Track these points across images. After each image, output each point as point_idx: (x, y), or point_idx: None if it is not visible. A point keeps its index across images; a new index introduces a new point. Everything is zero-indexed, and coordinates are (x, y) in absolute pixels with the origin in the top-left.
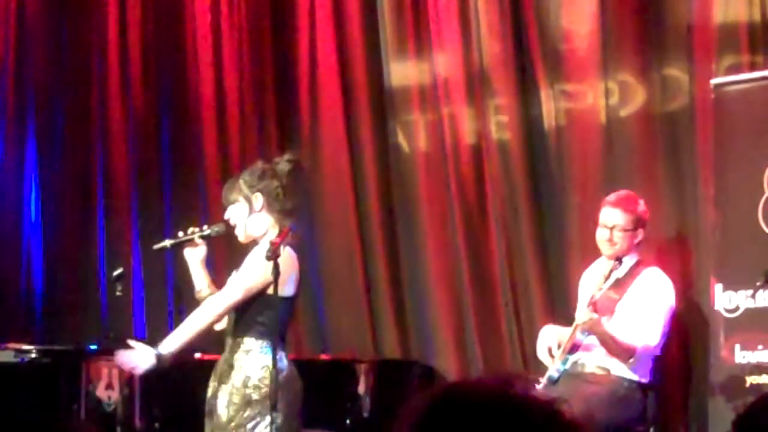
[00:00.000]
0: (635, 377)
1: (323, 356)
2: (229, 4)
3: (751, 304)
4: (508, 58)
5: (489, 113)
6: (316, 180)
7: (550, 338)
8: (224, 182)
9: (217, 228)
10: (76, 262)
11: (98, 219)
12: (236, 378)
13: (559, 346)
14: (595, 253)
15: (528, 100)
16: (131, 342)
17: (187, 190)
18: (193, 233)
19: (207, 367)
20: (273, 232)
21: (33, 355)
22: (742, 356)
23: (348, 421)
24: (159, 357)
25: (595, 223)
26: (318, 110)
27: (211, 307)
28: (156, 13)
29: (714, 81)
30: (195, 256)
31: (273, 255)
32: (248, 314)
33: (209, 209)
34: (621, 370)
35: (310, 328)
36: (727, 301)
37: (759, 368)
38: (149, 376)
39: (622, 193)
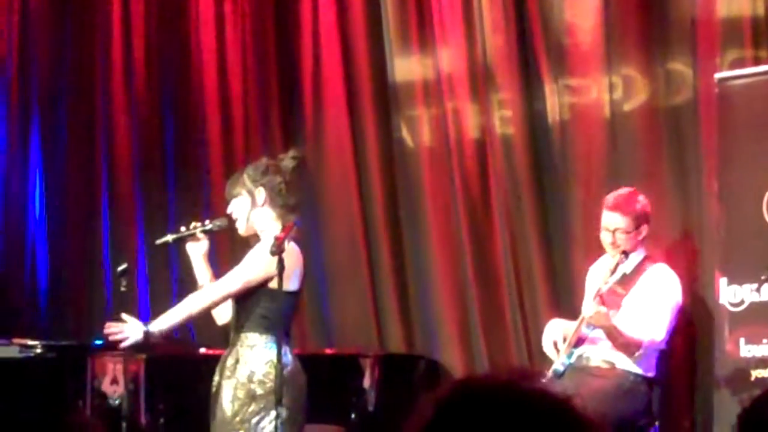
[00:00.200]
0: (640, 371)
1: (328, 351)
2: (232, 1)
3: (755, 297)
4: (511, 53)
5: (493, 108)
6: (320, 175)
7: (555, 332)
8: (228, 178)
9: (219, 222)
10: (80, 257)
11: (103, 215)
12: (241, 373)
13: (564, 340)
14: (599, 247)
15: (532, 95)
16: (124, 315)
17: (190, 185)
18: (195, 228)
19: (211, 362)
20: (275, 227)
21: (38, 351)
22: (747, 350)
23: (353, 416)
24: (147, 333)
25: (599, 218)
26: (322, 106)
27: (208, 294)
28: (159, 9)
29: (718, 75)
30: (197, 251)
31: (278, 250)
32: (252, 309)
33: (213, 205)
34: (626, 363)
35: (314, 323)
36: (731, 295)
37: (764, 362)
38: (154, 372)
39: (620, 193)
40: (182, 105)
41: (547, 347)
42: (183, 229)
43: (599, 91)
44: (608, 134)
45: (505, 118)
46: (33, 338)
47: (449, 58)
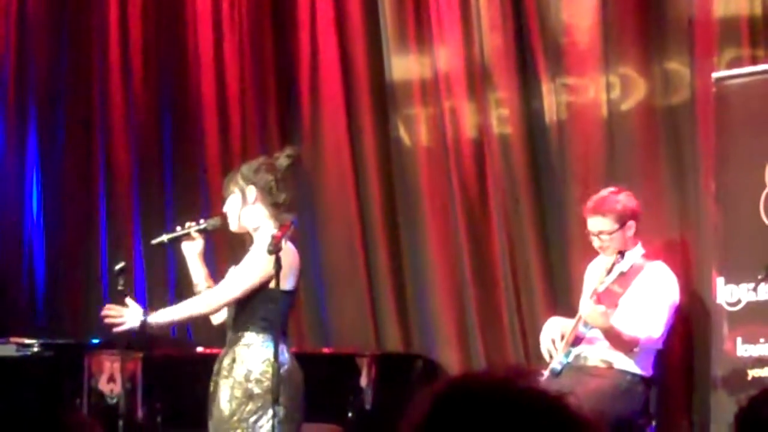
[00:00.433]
0: (638, 370)
1: (325, 350)
2: (230, 1)
3: (752, 297)
4: (509, 52)
5: (490, 107)
6: (317, 174)
7: (554, 330)
8: (225, 177)
9: (213, 222)
10: (77, 256)
11: (100, 214)
12: (237, 372)
13: (562, 338)
14: None
15: (529, 94)
16: (127, 300)
17: (188, 184)
18: (190, 227)
19: (209, 361)
20: (267, 225)
21: (35, 349)
22: (744, 349)
23: (350, 415)
24: (143, 323)
25: None
26: (319, 104)
27: (209, 300)
28: (157, 9)
29: (715, 75)
30: (193, 250)
31: (275, 249)
32: (249, 308)
33: (211, 204)
34: (624, 363)
35: (312, 322)
36: (728, 294)
37: (761, 361)
38: (151, 371)
39: (598, 196)
40: (179, 104)
41: (545, 345)
42: (179, 228)
43: (596, 90)
44: (605, 133)
45: (502, 117)
46: (30, 337)
47: (446, 57)
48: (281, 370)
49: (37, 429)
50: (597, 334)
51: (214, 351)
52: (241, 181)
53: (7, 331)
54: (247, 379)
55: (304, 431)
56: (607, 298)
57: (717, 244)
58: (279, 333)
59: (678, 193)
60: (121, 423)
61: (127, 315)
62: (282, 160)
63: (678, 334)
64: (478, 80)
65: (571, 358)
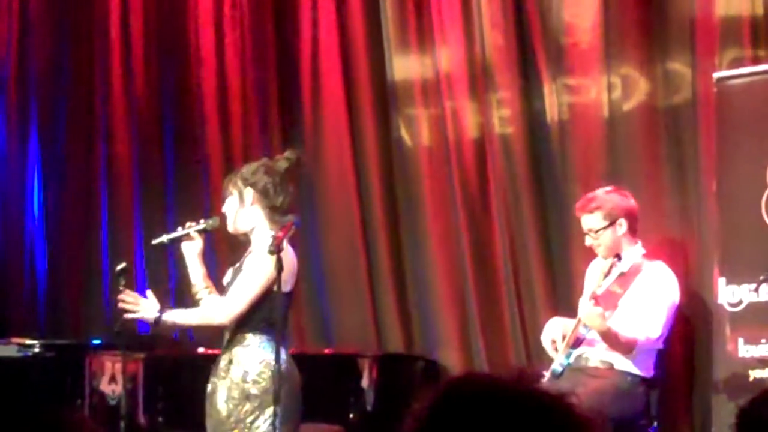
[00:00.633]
0: (639, 371)
1: (327, 351)
2: (231, 1)
3: (754, 298)
4: (510, 52)
5: (491, 107)
6: (318, 174)
7: (555, 331)
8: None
9: (212, 222)
10: (79, 257)
11: (101, 214)
12: (235, 373)
13: (563, 339)
14: None
15: (530, 94)
16: (148, 292)
17: (189, 184)
18: (189, 227)
19: (210, 362)
20: (263, 228)
21: (36, 350)
22: (746, 350)
23: (352, 416)
24: (157, 320)
25: None
26: (321, 104)
27: (226, 311)
28: (158, 8)
29: (716, 75)
30: (192, 250)
31: (276, 249)
32: (247, 310)
33: (212, 203)
34: (624, 364)
35: (313, 323)
36: (730, 295)
37: (762, 362)
38: (152, 371)
39: (589, 195)
40: (181, 104)
41: (547, 346)
42: (179, 229)
43: (598, 90)
44: (607, 133)
45: (504, 117)
46: (31, 337)
47: (448, 57)
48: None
49: (39, 430)
50: (597, 335)
51: (216, 351)
52: (239, 183)
53: (8, 331)
54: (244, 380)
55: (305, 431)
56: (606, 299)
57: (718, 245)
58: (277, 334)
59: (679, 193)
60: (122, 424)
61: (143, 305)
62: (281, 162)
63: (679, 335)
64: (479, 80)
65: (571, 360)
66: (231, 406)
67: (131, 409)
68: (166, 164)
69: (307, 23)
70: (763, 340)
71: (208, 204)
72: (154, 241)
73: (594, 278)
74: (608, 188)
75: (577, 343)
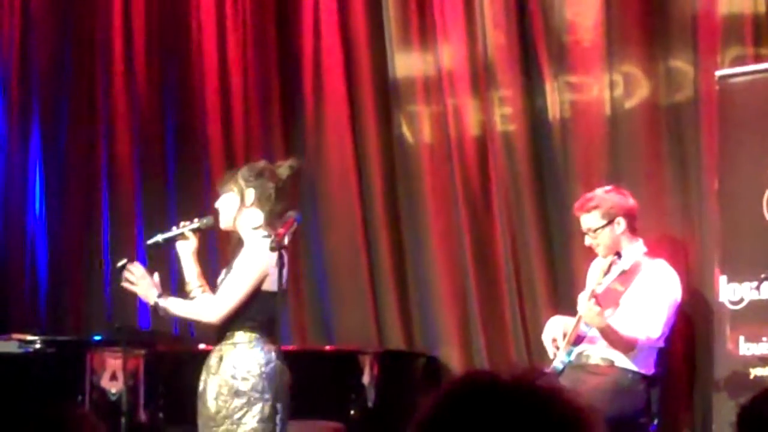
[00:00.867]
0: (639, 369)
1: (327, 347)
2: None
3: (755, 296)
4: (512, 50)
5: (493, 105)
6: (320, 171)
7: (555, 329)
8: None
9: (206, 221)
10: (80, 253)
11: (102, 211)
12: (224, 370)
13: (564, 337)
14: None
15: (533, 92)
16: (156, 275)
17: (190, 181)
18: (184, 227)
19: None
20: (258, 230)
21: (37, 346)
22: (747, 348)
23: (352, 413)
24: (156, 304)
25: None
26: (322, 101)
27: (216, 310)
28: (160, 7)
29: (719, 73)
30: (186, 249)
31: (278, 246)
32: (240, 308)
33: (213, 200)
34: (625, 362)
35: (314, 320)
36: (731, 293)
37: (763, 360)
38: (153, 367)
39: (587, 195)
40: (183, 102)
41: (548, 344)
42: (174, 228)
43: (600, 88)
44: (609, 131)
45: (505, 115)
46: (32, 333)
47: (450, 54)
48: (267, 368)
49: (39, 426)
50: (598, 332)
51: None
52: (241, 182)
53: (9, 327)
54: (233, 377)
55: (306, 429)
56: (607, 297)
57: (720, 243)
58: (267, 332)
59: (681, 191)
60: (123, 420)
61: (144, 284)
62: (284, 169)
63: (680, 333)
64: (481, 78)
65: (572, 357)
66: (220, 402)
67: (132, 405)
68: (167, 162)
69: (309, 20)
70: (764, 339)
71: (208, 202)
72: (149, 241)
73: (594, 276)
74: (607, 187)
75: (578, 340)
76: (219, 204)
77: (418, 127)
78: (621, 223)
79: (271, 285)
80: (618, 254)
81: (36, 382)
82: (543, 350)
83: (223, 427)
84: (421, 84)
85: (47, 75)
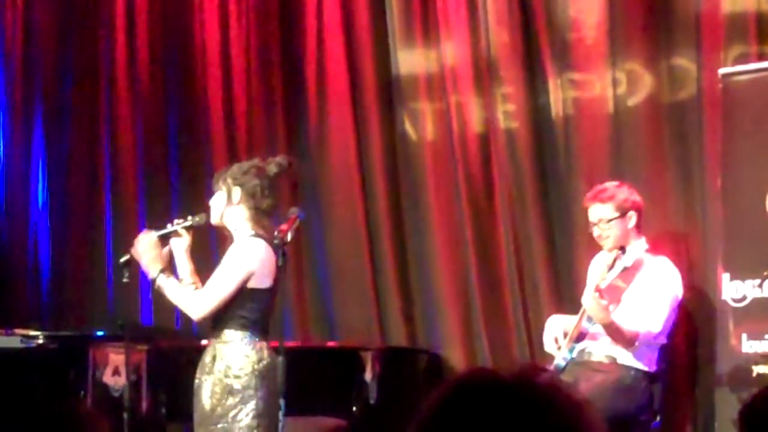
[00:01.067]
0: (642, 366)
1: (330, 344)
2: None
3: (758, 293)
4: (515, 47)
5: (496, 102)
6: (323, 168)
7: (556, 328)
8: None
9: (198, 218)
10: (83, 248)
11: (105, 207)
12: (217, 369)
13: (565, 336)
14: None
15: (536, 89)
16: (165, 250)
17: (193, 178)
18: (177, 224)
19: None
20: (245, 227)
21: (40, 341)
22: (749, 346)
23: (355, 409)
24: (153, 279)
25: None
26: (325, 98)
27: (199, 306)
28: (163, 6)
29: (722, 71)
30: (180, 246)
31: (281, 242)
32: (228, 307)
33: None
34: (627, 358)
35: (317, 316)
36: (734, 290)
37: (765, 358)
38: (156, 363)
39: (599, 186)
40: (186, 100)
41: (548, 344)
42: (168, 225)
43: (603, 85)
44: (612, 129)
45: (508, 112)
46: (35, 329)
47: (453, 51)
48: (260, 365)
49: (42, 421)
50: (600, 329)
51: None
52: (229, 180)
53: (11, 322)
54: (227, 375)
55: (308, 425)
56: (610, 293)
57: (722, 240)
58: (258, 330)
59: (684, 188)
60: (125, 415)
61: (148, 254)
62: (272, 166)
63: (683, 330)
64: (484, 75)
65: (575, 354)
66: (214, 401)
67: (134, 400)
68: (170, 159)
69: (312, 18)
70: (767, 336)
71: (211, 195)
72: None
73: (598, 271)
74: (615, 183)
75: (581, 337)
76: (210, 202)
77: (421, 124)
78: (632, 218)
79: (259, 282)
80: (622, 249)
81: (38, 378)
82: (545, 347)
83: (219, 426)
84: (424, 81)
85: (50, 72)
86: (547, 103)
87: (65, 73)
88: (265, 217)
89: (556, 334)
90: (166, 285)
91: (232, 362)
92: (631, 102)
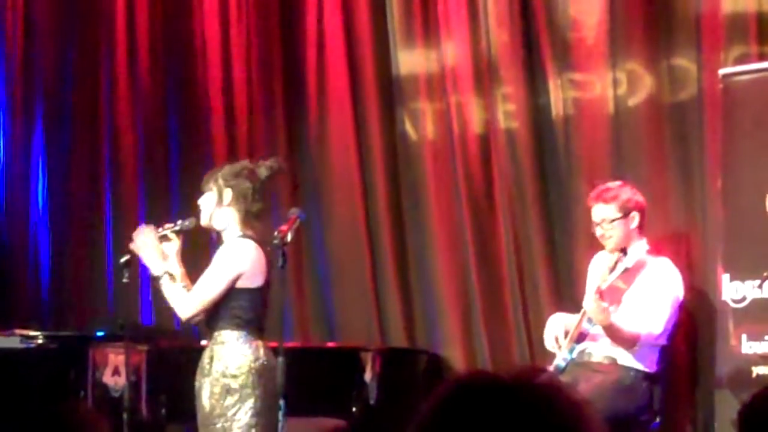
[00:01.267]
0: (642, 367)
1: (330, 344)
2: None
3: (758, 294)
4: (516, 47)
5: (497, 102)
6: (323, 167)
7: (557, 327)
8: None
9: (188, 222)
10: (83, 248)
11: (105, 207)
12: (216, 369)
13: (566, 335)
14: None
15: (536, 89)
16: (166, 247)
17: (194, 176)
18: (166, 229)
19: None
20: (234, 229)
21: (40, 342)
22: (749, 346)
23: (354, 409)
24: (156, 278)
25: None
26: (326, 98)
27: (181, 311)
28: (163, 4)
29: (722, 71)
30: (170, 250)
31: (281, 243)
32: (222, 307)
33: None
34: (627, 359)
35: (316, 316)
36: (734, 291)
37: (765, 358)
38: (156, 363)
39: (603, 186)
40: (186, 99)
41: (549, 342)
42: (159, 230)
43: (603, 86)
44: (612, 129)
45: (509, 112)
46: (35, 329)
47: (453, 51)
48: (257, 365)
49: (41, 422)
50: (601, 330)
51: None
52: (220, 181)
53: (11, 322)
54: (224, 375)
55: (308, 426)
56: (610, 294)
57: (723, 240)
58: (253, 329)
59: (684, 189)
60: (125, 416)
61: (149, 252)
62: (262, 170)
63: (683, 331)
64: (484, 75)
65: (575, 355)
66: (213, 401)
67: (134, 401)
68: (170, 160)
69: (313, 17)
70: (767, 337)
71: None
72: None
73: (599, 273)
74: (618, 183)
75: (581, 338)
76: (200, 202)
77: (421, 125)
78: (635, 219)
79: (251, 282)
80: (624, 251)
81: (38, 378)
82: (545, 347)
83: (218, 425)
84: (425, 81)
85: (51, 72)
86: (548, 103)
87: (65, 73)
88: (254, 220)
89: (557, 332)
90: (166, 284)
91: (229, 362)
92: (632, 102)
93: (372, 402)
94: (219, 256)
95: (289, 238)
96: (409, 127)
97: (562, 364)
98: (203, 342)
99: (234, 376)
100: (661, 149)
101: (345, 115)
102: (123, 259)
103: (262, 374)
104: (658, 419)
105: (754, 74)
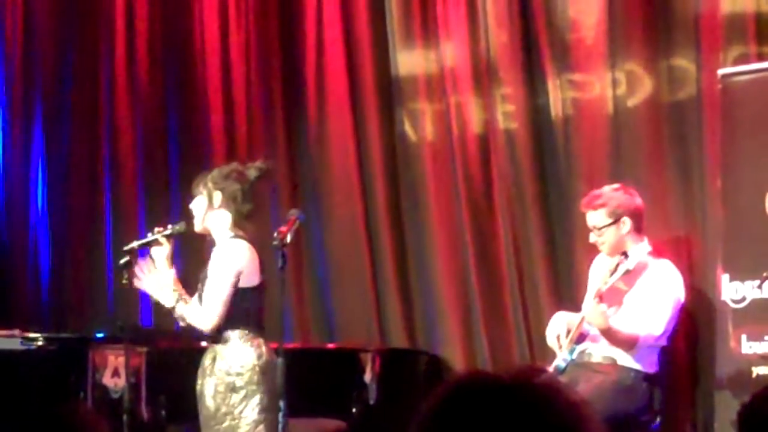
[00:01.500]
0: (642, 367)
1: (329, 345)
2: None
3: (757, 294)
4: (515, 48)
5: (496, 103)
6: (322, 169)
7: (559, 325)
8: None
9: (179, 227)
10: (83, 249)
11: (105, 208)
12: (219, 368)
13: (567, 334)
14: None
15: (535, 90)
16: (173, 275)
17: (193, 176)
18: (158, 233)
19: None
20: (226, 231)
21: (40, 343)
22: (749, 347)
23: (354, 410)
24: (171, 309)
25: None
26: (325, 99)
27: (202, 324)
28: (163, 4)
29: (721, 71)
30: (160, 254)
31: (280, 243)
32: (224, 311)
33: None
34: (627, 360)
35: (316, 317)
36: (733, 291)
37: (765, 359)
38: (155, 365)
39: (594, 192)
40: (185, 99)
41: (551, 340)
42: (149, 234)
43: (602, 86)
44: (611, 129)
45: (508, 112)
46: (35, 330)
47: (453, 52)
48: (260, 361)
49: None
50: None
51: None
52: (209, 184)
53: (11, 324)
54: (228, 374)
55: (308, 426)
56: (611, 296)
57: (722, 241)
58: (255, 327)
59: (683, 189)
60: (125, 417)
61: (152, 285)
62: (252, 171)
63: (682, 332)
64: (484, 76)
65: (575, 355)
66: (218, 400)
67: (134, 402)
68: (170, 161)
69: (312, 17)
70: (766, 337)
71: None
72: (126, 248)
73: (600, 275)
74: (615, 186)
75: (581, 338)
76: (192, 206)
77: (420, 125)
78: (626, 223)
79: (248, 281)
80: (625, 254)
81: (38, 380)
82: (545, 348)
83: (225, 424)
84: (424, 82)
85: (50, 72)
86: (547, 103)
87: (65, 73)
88: (245, 221)
89: (560, 331)
90: (179, 308)
91: (233, 361)
92: (631, 102)
93: (372, 402)
94: (216, 260)
95: (288, 239)
96: (408, 127)
97: (562, 364)
98: (203, 343)
99: (239, 374)
100: (660, 149)
101: (344, 115)
102: (122, 261)
103: (266, 371)
104: (658, 420)
105: (753, 74)
